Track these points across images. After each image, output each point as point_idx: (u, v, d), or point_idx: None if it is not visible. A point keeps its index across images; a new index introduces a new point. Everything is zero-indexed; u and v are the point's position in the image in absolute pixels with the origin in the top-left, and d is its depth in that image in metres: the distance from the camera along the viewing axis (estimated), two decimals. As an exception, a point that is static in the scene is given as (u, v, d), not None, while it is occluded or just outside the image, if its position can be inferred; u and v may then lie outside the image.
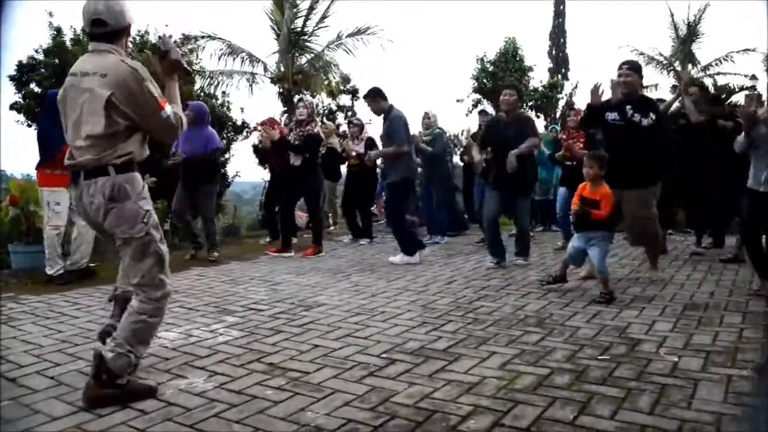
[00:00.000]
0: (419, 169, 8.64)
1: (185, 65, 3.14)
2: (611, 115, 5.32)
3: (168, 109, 2.87)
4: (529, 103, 20.73)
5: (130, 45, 2.98)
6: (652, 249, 5.78)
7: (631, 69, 5.41)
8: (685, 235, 8.24)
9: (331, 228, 10.24)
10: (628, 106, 5.22)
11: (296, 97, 8.80)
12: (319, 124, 8.54)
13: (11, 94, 10.76)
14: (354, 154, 8.72)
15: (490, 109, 8.40)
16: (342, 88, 17.41)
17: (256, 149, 8.95)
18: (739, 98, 18.01)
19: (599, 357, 3.41)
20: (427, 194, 8.67)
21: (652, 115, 5.20)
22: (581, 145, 7.04)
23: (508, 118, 6.42)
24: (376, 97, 6.81)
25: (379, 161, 8.59)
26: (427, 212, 8.90)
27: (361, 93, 17.28)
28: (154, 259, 2.88)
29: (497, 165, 6.34)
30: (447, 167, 8.84)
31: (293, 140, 7.29)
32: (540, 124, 20.18)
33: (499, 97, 6.81)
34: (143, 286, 2.87)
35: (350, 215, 9.12)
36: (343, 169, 9.67)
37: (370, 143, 8.83)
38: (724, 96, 18.95)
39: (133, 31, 3.03)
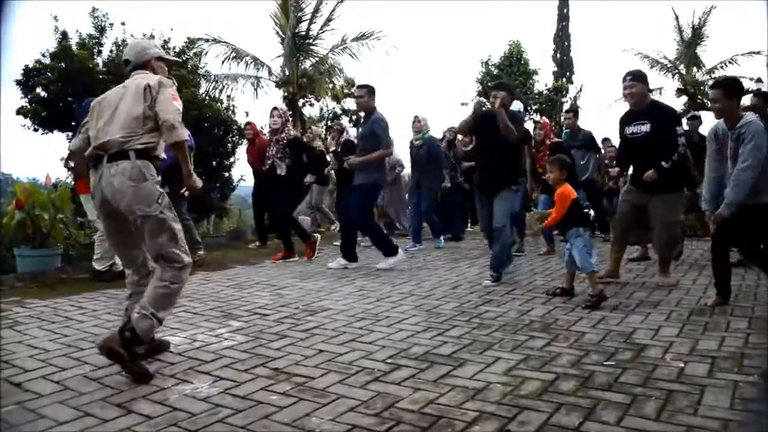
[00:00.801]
0: (407, 176, 8.69)
1: None
2: (628, 130, 5.46)
3: (179, 105, 3.37)
4: (534, 107, 20.73)
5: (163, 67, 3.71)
6: (669, 255, 5.75)
7: (635, 79, 5.40)
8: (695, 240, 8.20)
9: (333, 227, 10.25)
10: (643, 120, 5.32)
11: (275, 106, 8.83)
12: (308, 128, 8.63)
13: (17, 99, 10.83)
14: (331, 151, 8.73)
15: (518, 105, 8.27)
16: (346, 91, 17.43)
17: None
18: (744, 101, 17.97)
19: (605, 362, 3.40)
20: (416, 200, 8.63)
21: (679, 129, 5.34)
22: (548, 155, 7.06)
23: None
24: (372, 93, 6.84)
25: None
26: (416, 219, 8.84)
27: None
28: (168, 234, 3.24)
29: (481, 162, 6.13)
30: (440, 172, 8.80)
31: (275, 152, 7.32)
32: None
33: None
34: (162, 258, 3.25)
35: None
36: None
37: (349, 145, 8.72)
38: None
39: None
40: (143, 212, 3.19)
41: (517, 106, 6.71)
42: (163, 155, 3.46)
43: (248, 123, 8.96)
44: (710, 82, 20.57)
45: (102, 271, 6.01)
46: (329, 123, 14.26)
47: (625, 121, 5.54)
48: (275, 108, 7.55)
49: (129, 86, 3.38)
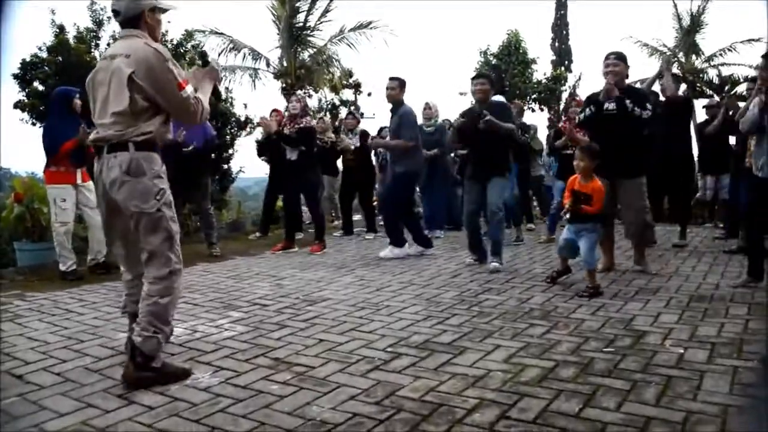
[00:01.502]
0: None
1: (218, 86, 3.40)
2: (607, 106, 5.36)
3: (189, 89, 3.04)
4: (533, 96, 20.71)
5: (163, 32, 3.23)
6: (645, 241, 5.75)
7: (618, 59, 5.47)
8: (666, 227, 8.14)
9: (335, 222, 10.24)
10: (627, 100, 5.24)
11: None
12: (318, 118, 8.54)
13: (15, 93, 10.78)
14: (352, 148, 8.69)
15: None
16: (345, 82, 17.39)
17: (259, 144, 8.90)
18: (742, 88, 17.96)
19: (604, 349, 3.41)
20: (430, 188, 8.60)
21: (648, 106, 5.29)
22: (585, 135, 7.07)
23: (482, 107, 6.01)
24: (403, 86, 6.89)
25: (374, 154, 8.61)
26: (429, 207, 8.85)
27: (364, 87, 17.36)
28: (163, 235, 3.01)
29: (473, 155, 6.23)
30: (446, 160, 8.78)
31: (288, 134, 7.25)
32: (544, 116, 20.15)
33: (502, 90, 6.72)
34: (150, 261, 3.01)
35: (347, 210, 9.12)
36: (339, 163, 9.66)
37: (365, 136, 8.81)
38: (728, 86, 18.92)
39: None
40: (139, 209, 2.96)
41: (498, 99, 6.70)
42: (169, 136, 3.28)
43: (274, 110, 8.83)
44: (710, 70, 20.57)
45: (66, 271, 5.79)
46: (325, 115, 14.23)
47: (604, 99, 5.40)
48: (294, 93, 7.56)
49: (114, 69, 2.97)
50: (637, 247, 5.73)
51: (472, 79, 6.19)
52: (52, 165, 5.69)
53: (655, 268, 5.65)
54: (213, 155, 7.67)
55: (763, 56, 4.81)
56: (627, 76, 5.62)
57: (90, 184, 5.93)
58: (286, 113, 7.46)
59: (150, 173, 3.00)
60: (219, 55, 16.18)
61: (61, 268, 5.81)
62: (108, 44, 11.32)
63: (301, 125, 7.22)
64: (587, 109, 5.53)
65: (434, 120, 8.45)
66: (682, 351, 3.33)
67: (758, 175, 4.71)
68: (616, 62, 5.43)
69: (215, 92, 3.40)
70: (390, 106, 6.98)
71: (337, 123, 11.18)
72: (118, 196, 3.00)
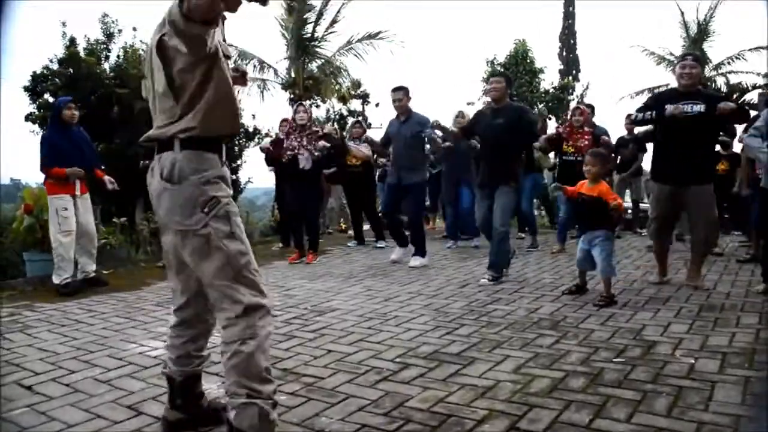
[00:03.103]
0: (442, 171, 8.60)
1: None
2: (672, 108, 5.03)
3: None
4: (540, 105, 20.67)
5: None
6: (706, 253, 5.44)
7: (696, 61, 5.29)
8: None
9: (350, 232, 10.21)
10: (692, 101, 5.01)
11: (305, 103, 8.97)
12: (328, 127, 8.56)
13: (26, 105, 10.90)
14: (362, 154, 8.64)
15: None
16: (353, 92, 17.44)
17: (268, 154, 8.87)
18: (752, 96, 17.89)
19: (614, 359, 3.39)
20: (456, 197, 8.39)
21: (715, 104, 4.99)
22: (587, 142, 7.12)
23: (496, 106, 5.94)
24: (408, 94, 6.94)
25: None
26: (454, 216, 8.67)
27: (372, 98, 17.41)
28: (220, 260, 2.24)
29: (483, 162, 6.11)
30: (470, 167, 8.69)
31: (306, 144, 7.24)
32: (551, 126, 20.10)
33: (511, 100, 6.67)
34: (215, 300, 2.30)
35: (357, 218, 9.11)
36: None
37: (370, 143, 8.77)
38: (736, 95, 18.84)
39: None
40: (181, 225, 2.26)
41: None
42: (226, 131, 2.43)
43: (284, 120, 8.83)
44: (719, 78, 20.51)
45: (60, 284, 5.68)
46: (333, 124, 14.25)
47: (670, 100, 5.14)
48: (301, 104, 7.63)
49: (150, 47, 2.31)
50: (696, 262, 5.38)
51: (489, 77, 6.23)
52: (51, 177, 5.73)
53: (702, 284, 5.30)
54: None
55: None
56: (701, 80, 5.41)
57: (87, 195, 5.98)
58: (293, 123, 7.46)
59: (196, 178, 2.26)
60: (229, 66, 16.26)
61: (55, 281, 5.70)
62: (118, 56, 11.44)
63: (320, 131, 7.33)
64: (651, 112, 5.19)
65: None
66: (692, 361, 3.31)
67: None
68: (694, 64, 5.18)
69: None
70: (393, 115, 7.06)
71: (344, 133, 11.17)
72: (158, 211, 2.36)
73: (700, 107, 4.96)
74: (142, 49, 9.53)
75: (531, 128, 6.01)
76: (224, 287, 2.25)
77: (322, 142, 7.25)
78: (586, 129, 7.43)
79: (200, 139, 2.28)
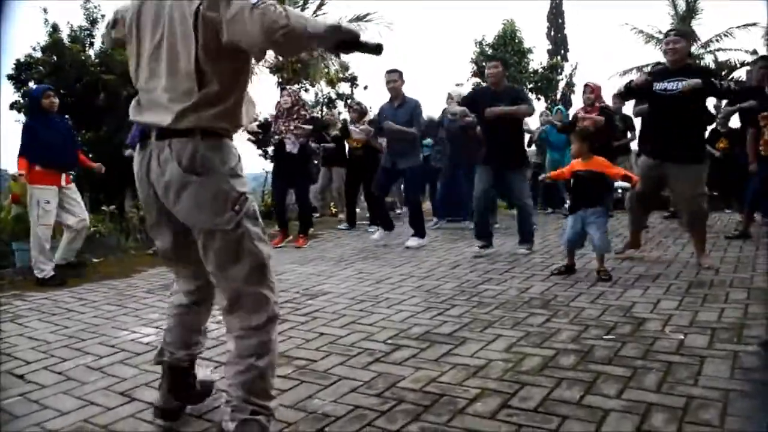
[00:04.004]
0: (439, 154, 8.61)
1: None
2: (661, 85, 5.05)
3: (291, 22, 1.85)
4: (529, 86, 20.66)
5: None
6: (702, 232, 5.30)
7: (679, 35, 5.26)
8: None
9: (340, 216, 10.19)
10: (679, 77, 4.95)
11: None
12: (326, 113, 8.56)
13: (10, 93, 10.79)
14: (361, 137, 8.58)
15: None
16: (341, 76, 17.35)
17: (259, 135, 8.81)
18: (740, 74, 17.92)
19: (604, 337, 3.41)
20: (453, 178, 8.43)
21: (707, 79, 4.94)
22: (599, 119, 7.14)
23: (497, 90, 6.21)
24: (402, 76, 6.97)
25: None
26: (448, 197, 8.68)
27: (360, 81, 17.34)
28: (250, 263, 2.11)
29: (488, 141, 6.24)
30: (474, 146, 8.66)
31: (293, 129, 7.23)
32: (540, 105, 20.12)
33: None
34: (237, 305, 2.12)
35: (352, 201, 9.08)
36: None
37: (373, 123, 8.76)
38: (725, 72, 18.87)
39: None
40: (209, 225, 2.07)
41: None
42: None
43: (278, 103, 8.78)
44: (707, 56, 20.51)
45: (46, 278, 5.55)
46: (326, 108, 14.26)
47: (658, 77, 5.15)
48: (284, 88, 7.57)
49: (172, 7, 2.02)
50: (697, 240, 5.33)
51: (487, 61, 6.30)
52: (37, 164, 5.61)
53: (710, 263, 5.22)
54: None
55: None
56: (689, 54, 5.40)
57: (73, 186, 5.91)
58: (280, 108, 7.44)
59: (224, 170, 2.08)
60: None
61: (38, 275, 5.56)
62: (102, 42, 11.31)
63: (308, 116, 7.38)
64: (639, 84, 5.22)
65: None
66: (682, 337, 3.34)
67: None
68: (677, 39, 5.13)
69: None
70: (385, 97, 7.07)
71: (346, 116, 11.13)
72: (176, 207, 2.10)
73: (684, 83, 4.88)
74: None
75: (529, 111, 6.31)
76: (253, 293, 2.11)
77: (303, 126, 7.20)
78: (597, 105, 7.37)
79: (227, 126, 2.12)
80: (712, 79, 4.95)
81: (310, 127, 7.30)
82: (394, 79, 6.92)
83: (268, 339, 2.13)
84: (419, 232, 7.04)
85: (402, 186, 8.47)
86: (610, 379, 2.79)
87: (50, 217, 5.67)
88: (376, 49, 2.02)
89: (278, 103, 7.67)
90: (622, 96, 5.75)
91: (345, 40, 1.95)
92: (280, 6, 1.84)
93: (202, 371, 2.72)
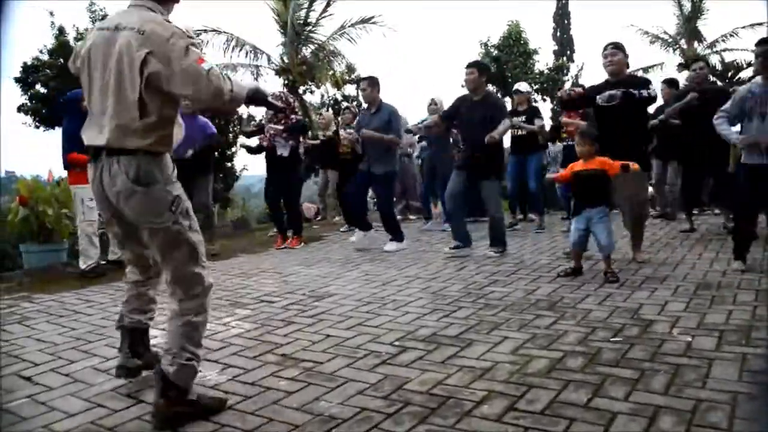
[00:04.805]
0: (420, 159, 8.73)
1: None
2: (602, 97, 5.29)
3: (211, 64, 2.41)
4: (535, 87, 20.62)
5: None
6: (641, 232, 5.68)
7: (616, 48, 5.44)
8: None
9: (336, 218, 10.20)
10: (622, 87, 5.20)
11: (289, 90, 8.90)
12: (318, 113, 8.61)
13: (18, 96, 10.84)
14: (355, 137, 8.61)
15: (525, 86, 8.30)
16: (347, 77, 17.37)
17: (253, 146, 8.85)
18: (747, 74, 17.84)
19: (612, 339, 3.40)
20: (431, 180, 8.58)
21: (649, 89, 5.25)
22: (579, 119, 7.21)
23: (475, 97, 6.26)
24: (375, 84, 7.00)
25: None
26: (428, 199, 8.96)
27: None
28: (186, 249, 2.59)
29: (465, 147, 6.37)
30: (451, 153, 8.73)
31: (281, 132, 7.28)
32: (546, 107, 20.08)
33: (505, 82, 6.77)
34: (178, 282, 2.59)
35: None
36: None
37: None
38: (731, 72, 18.81)
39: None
40: (152, 224, 2.54)
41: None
42: (180, 137, 2.71)
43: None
44: (713, 56, 20.45)
45: (86, 270, 5.93)
46: (325, 111, 14.27)
47: (600, 89, 5.40)
48: (273, 93, 7.56)
49: (122, 47, 2.43)
50: (635, 239, 5.66)
51: (465, 67, 6.27)
52: (76, 166, 5.78)
53: (644, 258, 5.58)
54: (216, 153, 7.72)
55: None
56: (627, 66, 5.59)
57: None
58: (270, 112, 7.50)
59: (162, 179, 2.54)
60: (224, 53, 16.30)
61: (81, 266, 5.96)
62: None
63: (295, 120, 7.44)
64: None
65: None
66: (690, 339, 3.32)
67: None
68: (615, 51, 5.39)
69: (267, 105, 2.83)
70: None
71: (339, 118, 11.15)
72: (126, 210, 2.58)
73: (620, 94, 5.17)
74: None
75: (503, 116, 6.26)
76: (191, 272, 2.60)
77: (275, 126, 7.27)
78: (581, 111, 7.40)
79: (164, 145, 2.58)
80: (631, 90, 5.16)
81: (281, 127, 7.29)
82: (364, 87, 7.06)
83: (203, 302, 2.64)
84: (396, 237, 7.04)
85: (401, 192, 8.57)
86: (618, 382, 2.78)
87: (93, 213, 5.86)
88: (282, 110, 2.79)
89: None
90: (562, 107, 6.13)
91: (259, 99, 2.69)
92: (224, 73, 2.39)
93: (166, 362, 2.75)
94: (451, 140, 8.39)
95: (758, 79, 4.92)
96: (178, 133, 2.68)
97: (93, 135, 2.57)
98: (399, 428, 2.42)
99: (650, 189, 5.65)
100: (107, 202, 2.64)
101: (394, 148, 7.06)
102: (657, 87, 7.74)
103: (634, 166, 4.92)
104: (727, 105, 5.07)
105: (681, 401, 2.54)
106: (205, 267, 2.67)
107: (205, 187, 7.22)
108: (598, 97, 5.30)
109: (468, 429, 2.39)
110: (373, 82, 6.97)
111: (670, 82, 8.22)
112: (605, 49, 5.46)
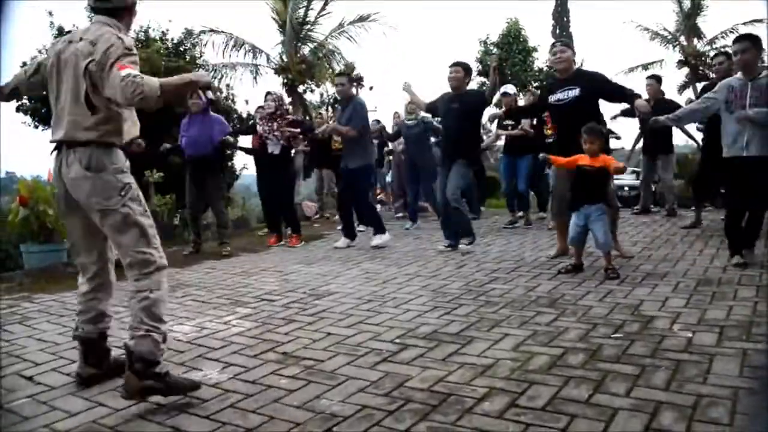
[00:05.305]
0: (402, 156, 8.79)
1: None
2: (554, 97, 5.45)
3: (128, 71, 2.61)
4: (535, 84, 20.62)
5: (132, 33, 2.79)
6: (615, 225, 5.67)
7: (564, 45, 5.62)
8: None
9: (335, 217, 10.19)
10: (569, 86, 5.32)
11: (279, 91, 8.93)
12: (317, 113, 8.67)
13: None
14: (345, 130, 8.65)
15: (512, 89, 8.34)
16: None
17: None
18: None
19: (612, 335, 3.40)
20: (412, 178, 8.63)
21: (592, 85, 5.34)
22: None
23: (456, 93, 6.38)
24: (351, 81, 7.31)
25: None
26: (413, 198, 8.97)
27: (366, 81, 17.36)
28: (135, 232, 2.80)
29: (445, 140, 6.61)
30: (431, 152, 8.69)
31: (275, 129, 7.30)
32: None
33: (504, 80, 6.82)
34: (132, 264, 2.81)
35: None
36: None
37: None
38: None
39: (135, 24, 2.98)
40: (102, 206, 2.78)
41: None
42: (135, 132, 3.01)
43: (260, 107, 8.81)
44: (712, 53, 20.43)
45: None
46: (325, 110, 14.32)
47: (550, 91, 5.58)
48: (269, 93, 7.63)
49: (72, 55, 2.81)
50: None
51: (449, 66, 6.40)
52: None
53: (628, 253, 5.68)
54: (222, 154, 7.76)
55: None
56: (574, 62, 5.65)
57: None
58: (263, 111, 7.57)
59: (111, 168, 2.81)
60: (223, 53, 16.32)
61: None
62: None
63: (291, 118, 7.54)
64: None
65: (416, 115, 8.43)
66: (690, 335, 3.32)
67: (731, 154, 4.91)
68: (563, 48, 5.51)
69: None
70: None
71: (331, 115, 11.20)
72: (79, 194, 2.83)
73: (575, 92, 5.28)
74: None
75: (483, 99, 6.49)
76: (141, 253, 2.81)
77: (288, 129, 7.30)
78: None
79: (114, 136, 2.87)
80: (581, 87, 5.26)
81: (298, 129, 7.42)
82: (342, 82, 7.18)
83: (159, 280, 2.83)
84: (378, 230, 7.12)
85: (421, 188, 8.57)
86: (619, 378, 2.78)
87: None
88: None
89: (260, 107, 7.80)
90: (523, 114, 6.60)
91: (177, 93, 2.91)
92: (140, 77, 2.58)
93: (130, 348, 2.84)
94: (431, 140, 8.49)
95: (739, 74, 5.01)
96: (131, 128, 2.99)
97: (55, 131, 2.92)
98: (400, 425, 2.42)
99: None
100: (65, 192, 2.91)
101: (366, 142, 7.14)
102: (643, 83, 7.95)
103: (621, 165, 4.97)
104: (716, 90, 5.10)
105: (682, 397, 2.54)
106: (158, 249, 2.88)
107: (217, 193, 7.26)
108: (557, 95, 5.43)
109: (469, 426, 2.39)
110: (350, 79, 7.22)
111: (657, 79, 8.33)
112: (553, 46, 5.61)
